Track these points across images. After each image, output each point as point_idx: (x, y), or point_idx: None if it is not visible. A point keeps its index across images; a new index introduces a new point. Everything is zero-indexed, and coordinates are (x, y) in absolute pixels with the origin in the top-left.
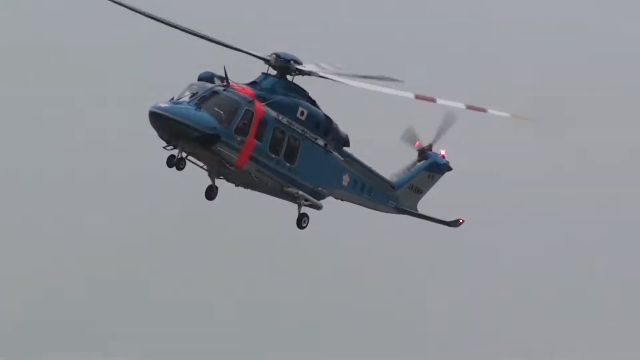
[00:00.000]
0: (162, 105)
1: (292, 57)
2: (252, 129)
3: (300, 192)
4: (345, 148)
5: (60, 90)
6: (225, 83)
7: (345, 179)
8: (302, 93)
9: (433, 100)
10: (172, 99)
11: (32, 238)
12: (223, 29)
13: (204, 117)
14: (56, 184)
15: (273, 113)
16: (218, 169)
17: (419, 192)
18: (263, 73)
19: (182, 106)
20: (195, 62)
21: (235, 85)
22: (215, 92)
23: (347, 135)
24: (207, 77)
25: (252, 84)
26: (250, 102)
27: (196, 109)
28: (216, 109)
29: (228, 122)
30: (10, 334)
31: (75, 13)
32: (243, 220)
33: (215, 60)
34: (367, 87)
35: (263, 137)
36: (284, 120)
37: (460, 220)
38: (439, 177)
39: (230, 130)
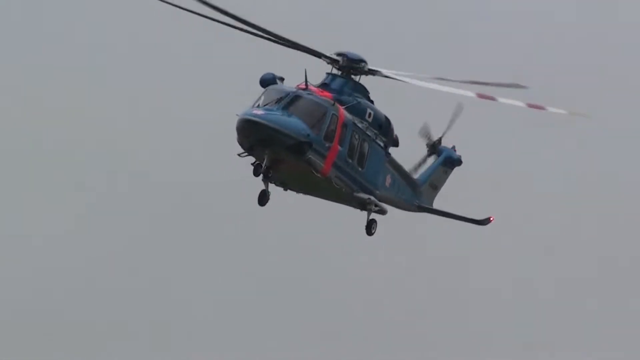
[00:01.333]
0: (256, 112)
1: (360, 57)
2: (337, 135)
3: (372, 198)
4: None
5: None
6: (305, 86)
7: (388, 180)
8: (365, 93)
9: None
10: (256, 104)
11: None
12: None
13: (298, 124)
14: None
15: (350, 116)
16: (292, 176)
17: (435, 188)
18: (328, 73)
19: (275, 113)
20: (247, 61)
21: (313, 88)
22: (300, 97)
23: (397, 136)
24: (269, 79)
25: (324, 85)
26: (334, 106)
27: (288, 116)
28: (306, 115)
29: (318, 128)
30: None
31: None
32: (305, 227)
33: (267, 59)
34: (431, 87)
35: (344, 142)
36: (358, 123)
37: (491, 219)
38: (450, 172)
39: (320, 136)
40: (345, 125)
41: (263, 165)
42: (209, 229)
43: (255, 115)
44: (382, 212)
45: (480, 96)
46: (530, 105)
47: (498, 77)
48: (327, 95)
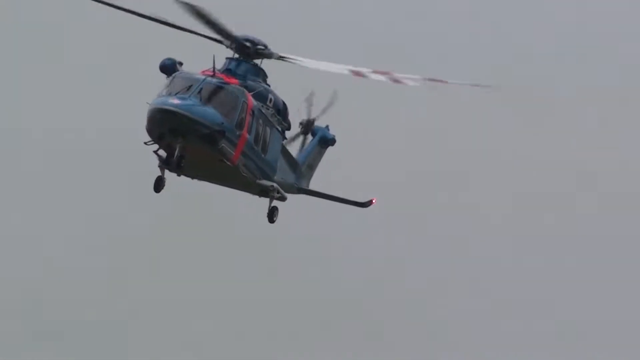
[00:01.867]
0: (171, 100)
1: (262, 40)
2: (246, 122)
3: (275, 185)
4: None
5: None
6: (213, 73)
7: (281, 164)
8: (265, 78)
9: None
10: (166, 92)
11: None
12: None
13: (212, 113)
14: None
15: (256, 103)
16: (198, 165)
17: (312, 168)
18: (229, 58)
19: (189, 101)
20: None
21: (220, 74)
22: (211, 85)
23: (290, 120)
24: (170, 65)
25: (227, 71)
26: (243, 93)
27: (202, 104)
28: (219, 103)
29: (231, 116)
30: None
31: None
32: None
33: (164, 44)
34: (327, 68)
35: (252, 130)
36: (262, 109)
37: (373, 201)
38: (324, 152)
39: (233, 124)
40: (252, 112)
41: (175, 154)
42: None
43: (171, 105)
44: (283, 198)
45: (355, 73)
46: (431, 80)
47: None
48: (234, 82)
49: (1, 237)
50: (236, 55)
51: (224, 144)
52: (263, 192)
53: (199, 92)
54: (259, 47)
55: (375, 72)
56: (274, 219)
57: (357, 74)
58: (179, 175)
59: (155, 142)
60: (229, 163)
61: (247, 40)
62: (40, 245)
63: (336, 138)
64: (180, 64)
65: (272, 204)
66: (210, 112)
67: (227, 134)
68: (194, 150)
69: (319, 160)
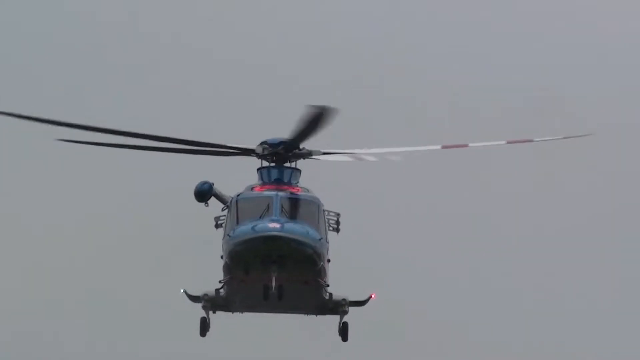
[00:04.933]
0: (274, 225)
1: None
2: (327, 232)
3: (346, 298)
4: None
5: None
6: (276, 186)
7: None
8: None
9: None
10: (248, 220)
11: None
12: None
13: (312, 231)
14: None
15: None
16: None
17: None
18: (262, 168)
19: (290, 224)
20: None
21: (283, 186)
22: (289, 199)
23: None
24: (207, 189)
25: (278, 181)
26: (318, 200)
27: (298, 223)
28: (306, 217)
29: (321, 229)
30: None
31: None
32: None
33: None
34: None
35: (327, 235)
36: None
37: (372, 296)
38: None
39: (325, 237)
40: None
41: (272, 285)
42: None
43: (278, 230)
44: (346, 312)
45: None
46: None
47: None
48: (298, 190)
49: None
50: (264, 163)
51: (322, 263)
52: (333, 308)
53: (281, 210)
54: (294, 148)
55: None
56: (347, 336)
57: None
58: (232, 312)
59: (234, 277)
60: (322, 282)
61: (275, 144)
62: None
63: None
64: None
65: (343, 320)
66: (310, 230)
67: (322, 249)
68: (287, 276)
69: None
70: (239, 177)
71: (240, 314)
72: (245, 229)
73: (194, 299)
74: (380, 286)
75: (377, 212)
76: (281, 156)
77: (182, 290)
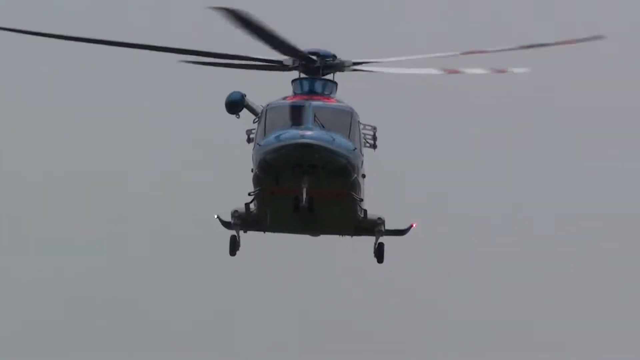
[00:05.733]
0: (306, 133)
1: (327, 50)
2: (361, 143)
3: (382, 217)
4: None
5: None
6: (307, 96)
7: None
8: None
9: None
10: (279, 128)
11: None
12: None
13: (344, 140)
14: None
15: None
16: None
17: None
18: (296, 80)
19: (322, 132)
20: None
21: (317, 97)
22: (323, 109)
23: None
24: (238, 99)
25: (312, 92)
26: (351, 109)
27: (330, 133)
28: (339, 127)
29: (354, 139)
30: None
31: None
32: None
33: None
34: (414, 71)
35: (362, 150)
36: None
37: (413, 225)
38: None
39: (359, 148)
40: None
41: (303, 199)
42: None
43: (311, 137)
44: (382, 233)
45: (450, 71)
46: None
47: None
48: (332, 101)
49: None
50: (302, 75)
51: (356, 175)
52: (366, 229)
53: (314, 119)
54: (328, 59)
55: (466, 53)
56: (383, 257)
57: (453, 71)
58: (264, 231)
59: (264, 189)
60: (355, 197)
61: (313, 53)
62: None
63: None
64: (244, 96)
65: (379, 240)
66: (342, 140)
67: (356, 160)
68: (319, 186)
69: None
70: (274, 91)
71: (272, 234)
72: (275, 137)
73: (228, 225)
74: (422, 212)
75: (419, 129)
76: (311, 68)
77: (215, 216)
